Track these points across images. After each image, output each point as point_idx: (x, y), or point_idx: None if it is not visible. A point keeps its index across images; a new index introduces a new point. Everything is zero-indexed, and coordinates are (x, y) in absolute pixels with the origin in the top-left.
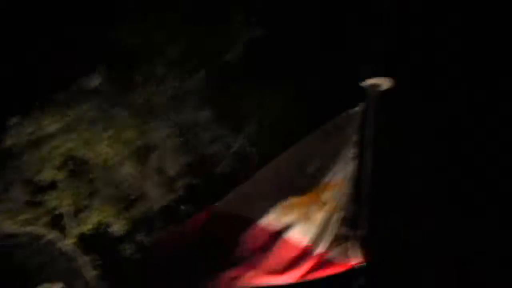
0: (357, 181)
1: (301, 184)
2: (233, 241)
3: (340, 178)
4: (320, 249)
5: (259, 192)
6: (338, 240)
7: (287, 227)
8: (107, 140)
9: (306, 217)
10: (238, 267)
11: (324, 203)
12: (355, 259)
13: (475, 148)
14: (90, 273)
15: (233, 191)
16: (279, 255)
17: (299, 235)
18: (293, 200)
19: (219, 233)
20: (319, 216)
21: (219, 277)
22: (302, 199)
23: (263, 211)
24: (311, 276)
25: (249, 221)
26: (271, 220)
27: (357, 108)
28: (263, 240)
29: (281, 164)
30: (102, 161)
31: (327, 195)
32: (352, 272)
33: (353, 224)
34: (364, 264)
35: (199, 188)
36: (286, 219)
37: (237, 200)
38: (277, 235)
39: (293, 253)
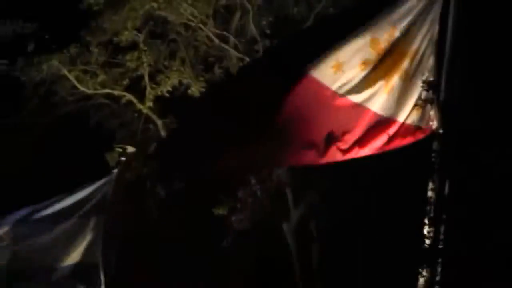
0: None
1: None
2: (308, 111)
3: (423, 43)
4: (399, 116)
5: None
6: (417, 105)
7: (368, 98)
8: (190, 0)
9: (388, 88)
10: (315, 141)
11: (406, 73)
12: (435, 124)
13: None
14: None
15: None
16: (358, 126)
17: (381, 106)
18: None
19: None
20: (400, 86)
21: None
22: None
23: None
24: (392, 145)
25: (324, 88)
26: (349, 89)
27: None
28: (340, 111)
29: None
30: (183, 22)
31: (406, 64)
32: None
33: (434, 88)
34: (440, 130)
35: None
36: (366, 91)
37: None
38: (357, 106)
39: (371, 124)
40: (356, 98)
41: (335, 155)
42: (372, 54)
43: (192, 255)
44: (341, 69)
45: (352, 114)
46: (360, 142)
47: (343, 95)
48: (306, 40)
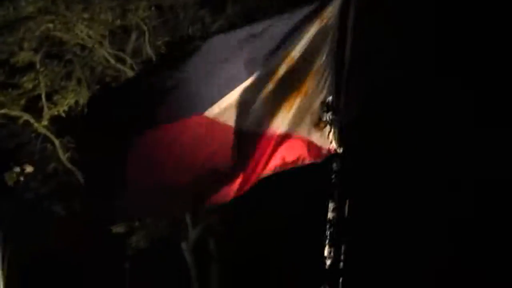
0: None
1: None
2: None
3: (320, 63)
4: (299, 132)
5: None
6: (317, 126)
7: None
8: (86, 21)
9: (288, 108)
10: (226, 177)
11: (306, 91)
12: (335, 144)
13: None
14: (63, 156)
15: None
16: (260, 149)
17: (279, 124)
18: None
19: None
20: (298, 102)
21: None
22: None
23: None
24: (291, 164)
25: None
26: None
27: None
28: (240, 140)
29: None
30: (79, 42)
31: (310, 83)
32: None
33: (334, 108)
34: (342, 150)
35: None
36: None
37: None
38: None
39: (272, 143)
40: (254, 125)
41: (243, 185)
42: (270, 84)
43: (92, 276)
44: (238, 106)
45: (251, 140)
46: (264, 163)
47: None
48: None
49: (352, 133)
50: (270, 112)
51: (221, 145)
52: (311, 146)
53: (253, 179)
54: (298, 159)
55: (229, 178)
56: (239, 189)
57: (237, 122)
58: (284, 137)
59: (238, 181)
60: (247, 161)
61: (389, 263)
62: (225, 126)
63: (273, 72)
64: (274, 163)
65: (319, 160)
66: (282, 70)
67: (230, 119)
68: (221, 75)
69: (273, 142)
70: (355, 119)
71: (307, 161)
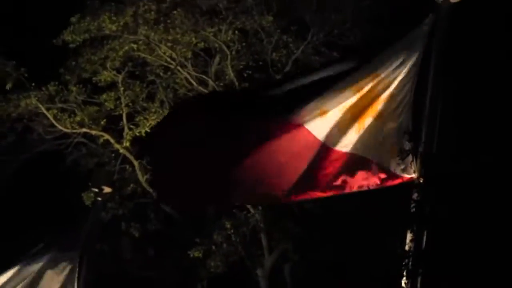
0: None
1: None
2: (287, 153)
3: (398, 89)
4: (374, 157)
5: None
6: (393, 152)
7: (340, 139)
8: (169, 42)
9: (361, 129)
10: (294, 180)
11: (380, 115)
12: (412, 173)
13: None
14: (142, 178)
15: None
16: (333, 167)
17: (353, 146)
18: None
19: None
20: (373, 127)
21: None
22: (357, 105)
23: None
24: (365, 187)
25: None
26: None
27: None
28: (316, 153)
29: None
30: (162, 64)
31: (383, 106)
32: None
33: (412, 137)
34: (421, 179)
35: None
36: (339, 131)
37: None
38: (328, 146)
39: (348, 164)
40: (331, 141)
41: (308, 193)
42: (352, 99)
43: None
44: (325, 115)
45: (325, 154)
46: (335, 181)
47: (323, 141)
48: (289, 86)
49: (433, 163)
50: (343, 127)
51: (302, 150)
52: (387, 173)
53: (324, 192)
54: (369, 184)
55: (294, 184)
56: (303, 195)
57: (320, 133)
58: (354, 158)
59: (305, 188)
60: (315, 171)
61: None
62: (309, 135)
63: (358, 86)
64: (344, 183)
65: (397, 184)
66: (366, 87)
67: (315, 129)
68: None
69: (342, 160)
70: (436, 150)
71: (381, 186)
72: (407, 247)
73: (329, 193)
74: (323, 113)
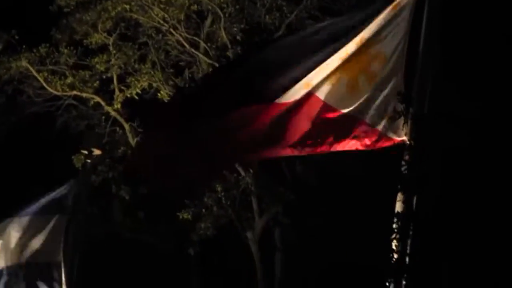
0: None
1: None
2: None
3: (391, 50)
4: (367, 118)
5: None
6: (385, 114)
7: (334, 97)
8: (162, 4)
9: (354, 88)
10: (285, 135)
11: (375, 75)
12: (403, 135)
13: None
14: (132, 140)
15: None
16: (325, 124)
17: (344, 105)
18: (338, 63)
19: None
20: (366, 87)
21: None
22: (350, 64)
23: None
24: (355, 147)
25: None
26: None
27: None
28: (310, 109)
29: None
30: (155, 25)
31: (377, 66)
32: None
33: (404, 99)
34: (412, 141)
35: None
36: (332, 88)
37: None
38: (324, 104)
39: (339, 123)
40: (321, 95)
41: (303, 149)
42: (339, 60)
43: (157, 259)
44: (321, 72)
45: (318, 111)
46: (327, 138)
47: (314, 93)
48: (279, 52)
49: (425, 125)
50: (333, 84)
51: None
52: (378, 134)
53: (316, 148)
54: (360, 144)
55: (291, 139)
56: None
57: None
58: (350, 119)
59: (300, 144)
60: (310, 129)
61: (456, 261)
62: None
63: (340, 49)
64: (338, 142)
65: (387, 146)
66: (350, 48)
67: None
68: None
69: (333, 118)
70: (428, 112)
71: (372, 147)
72: (397, 209)
73: (318, 150)
74: (320, 70)
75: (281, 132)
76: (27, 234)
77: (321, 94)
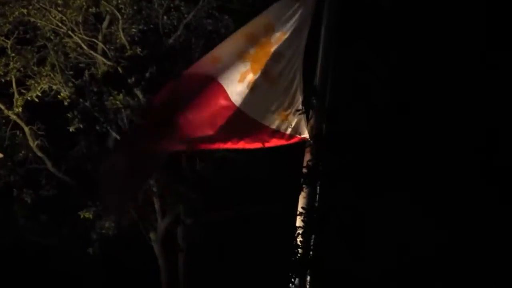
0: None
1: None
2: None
3: (292, 50)
4: (264, 120)
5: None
6: (284, 112)
7: (239, 96)
8: (59, 6)
9: (253, 87)
10: (191, 129)
11: (270, 75)
12: (302, 134)
13: None
14: (33, 143)
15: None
16: (228, 122)
17: (244, 103)
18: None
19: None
20: (262, 87)
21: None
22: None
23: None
24: (255, 145)
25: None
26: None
27: None
28: (219, 106)
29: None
30: (53, 28)
31: (275, 65)
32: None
33: (306, 97)
34: (310, 140)
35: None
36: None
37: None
38: (230, 104)
39: (240, 121)
40: (228, 89)
41: (203, 144)
42: (248, 48)
43: (62, 262)
44: (220, 62)
45: (219, 105)
46: (227, 136)
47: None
48: None
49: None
50: (241, 81)
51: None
52: (280, 133)
53: (215, 144)
54: (261, 142)
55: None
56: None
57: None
58: (247, 117)
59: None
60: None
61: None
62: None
63: (253, 34)
64: (240, 140)
65: (286, 144)
66: (261, 36)
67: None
68: None
69: (239, 120)
70: (327, 108)
71: (271, 145)
72: (301, 204)
73: (219, 146)
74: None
75: (179, 127)
76: None
77: (224, 82)
